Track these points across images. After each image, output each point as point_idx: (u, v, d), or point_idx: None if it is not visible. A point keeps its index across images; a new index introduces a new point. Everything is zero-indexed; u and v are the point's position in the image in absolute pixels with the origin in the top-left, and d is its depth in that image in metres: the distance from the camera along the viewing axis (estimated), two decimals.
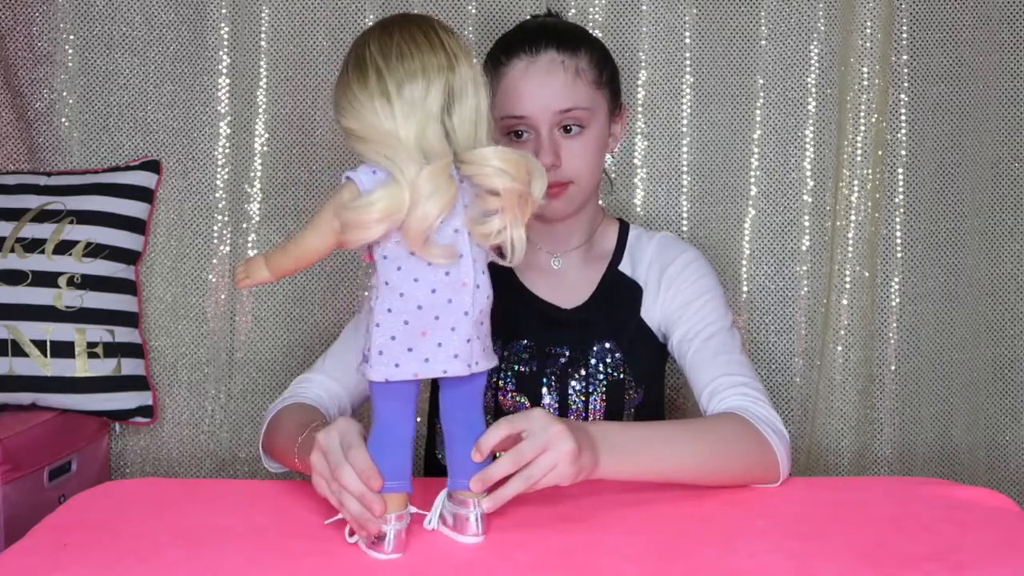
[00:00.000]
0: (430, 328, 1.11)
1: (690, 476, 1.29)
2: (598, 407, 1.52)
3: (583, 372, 1.52)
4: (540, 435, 1.14)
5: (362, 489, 1.11)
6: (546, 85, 1.47)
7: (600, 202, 1.93)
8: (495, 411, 1.54)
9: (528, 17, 1.67)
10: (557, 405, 1.52)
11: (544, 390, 1.53)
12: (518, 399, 1.53)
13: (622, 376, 1.52)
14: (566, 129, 1.48)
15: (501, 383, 1.53)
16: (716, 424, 1.37)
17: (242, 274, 1.15)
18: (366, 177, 1.09)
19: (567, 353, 1.53)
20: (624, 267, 1.58)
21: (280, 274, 1.14)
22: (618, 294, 1.56)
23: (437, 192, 1.07)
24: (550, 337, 1.54)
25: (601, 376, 1.52)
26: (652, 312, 1.54)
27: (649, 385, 1.54)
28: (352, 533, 1.14)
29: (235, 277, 1.17)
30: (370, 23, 1.27)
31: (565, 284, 1.58)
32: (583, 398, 1.52)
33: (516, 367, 1.53)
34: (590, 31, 1.86)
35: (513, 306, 1.53)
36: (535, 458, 1.14)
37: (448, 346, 1.11)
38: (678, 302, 1.52)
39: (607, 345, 1.53)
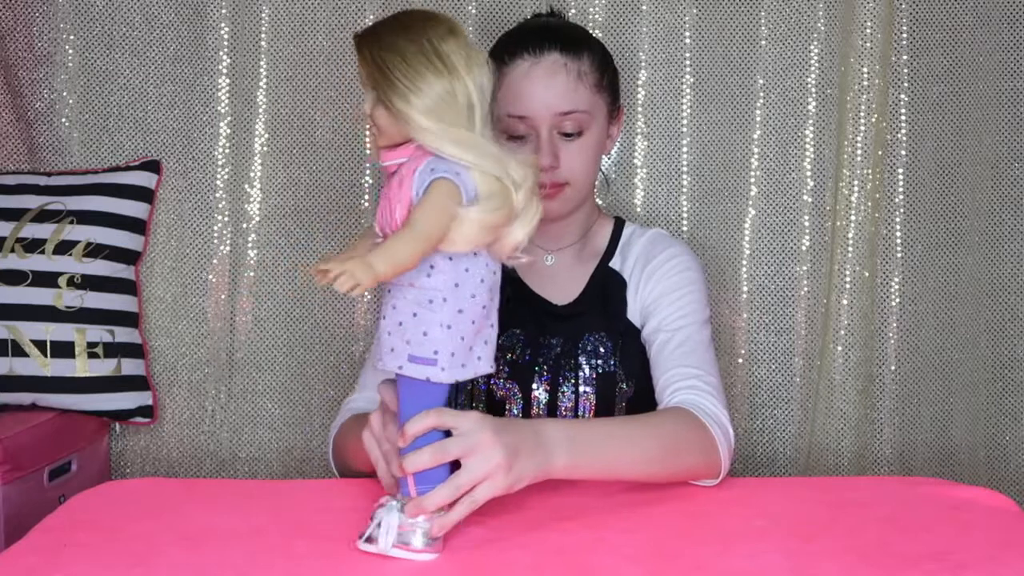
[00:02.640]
0: (484, 327, 1.14)
1: (639, 474, 1.28)
2: (589, 400, 1.52)
3: (574, 363, 1.53)
4: (468, 437, 1.12)
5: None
6: (548, 87, 1.48)
7: (599, 201, 1.94)
8: (488, 398, 1.54)
9: (530, 16, 1.67)
10: (547, 396, 1.53)
11: (534, 384, 1.53)
12: (510, 387, 1.54)
13: (613, 369, 1.52)
14: (566, 133, 1.49)
15: (495, 371, 1.53)
16: (665, 420, 1.36)
17: (349, 281, 1.05)
18: (460, 180, 1.09)
19: (559, 344, 1.54)
20: (614, 263, 1.59)
21: (384, 280, 1.08)
22: (607, 290, 1.57)
23: (534, 209, 1.12)
24: (543, 332, 1.55)
25: (591, 369, 1.52)
26: (633, 306, 1.55)
27: (641, 379, 1.54)
28: (371, 540, 1.12)
29: (337, 280, 1.04)
30: (370, 23, 1.26)
31: (558, 281, 1.59)
32: (574, 390, 1.52)
33: (509, 356, 1.54)
34: (590, 31, 1.87)
35: (508, 298, 1.54)
36: (461, 459, 1.11)
37: (491, 343, 1.15)
38: (654, 294, 1.53)
39: (598, 338, 1.54)
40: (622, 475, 1.28)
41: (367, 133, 1.18)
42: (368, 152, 1.93)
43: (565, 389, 1.52)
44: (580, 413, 1.52)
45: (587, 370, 1.53)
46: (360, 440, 1.30)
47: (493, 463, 1.11)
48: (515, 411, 1.53)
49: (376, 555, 1.11)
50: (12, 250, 1.84)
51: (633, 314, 1.55)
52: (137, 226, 1.92)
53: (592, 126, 1.51)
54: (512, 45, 1.51)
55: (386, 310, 1.14)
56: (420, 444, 1.12)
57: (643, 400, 1.55)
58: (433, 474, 1.11)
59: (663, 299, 1.52)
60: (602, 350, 1.53)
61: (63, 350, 1.83)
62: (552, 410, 1.53)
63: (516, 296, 1.57)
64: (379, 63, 1.10)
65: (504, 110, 1.48)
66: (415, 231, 1.07)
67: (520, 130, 1.49)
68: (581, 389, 1.52)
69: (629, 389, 1.53)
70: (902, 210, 1.89)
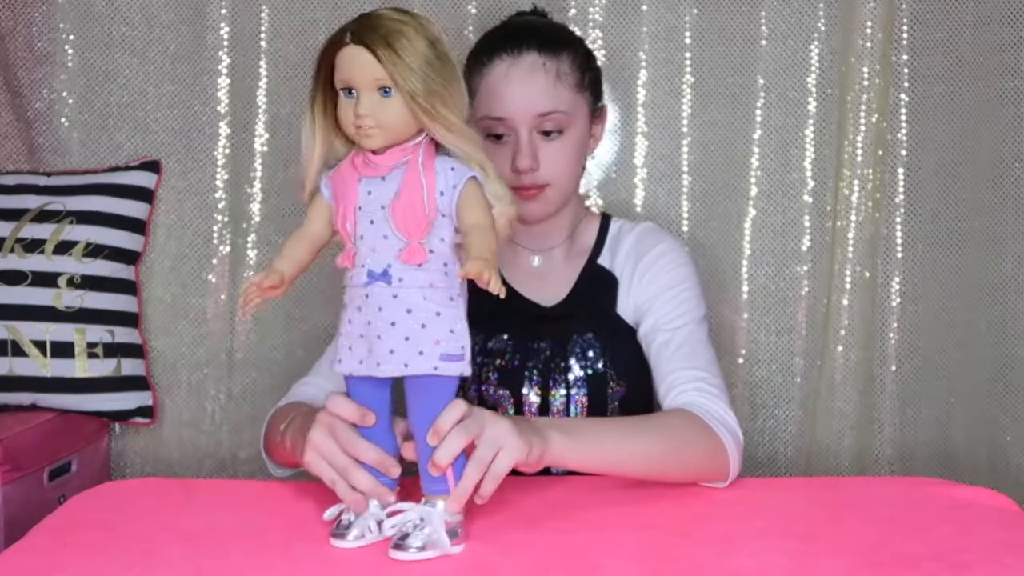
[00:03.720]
0: None
1: (641, 468, 1.30)
2: (581, 401, 1.52)
3: (564, 365, 1.52)
4: (479, 416, 1.15)
5: (381, 456, 1.16)
6: (527, 86, 1.47)
7: (599, 201, 1.94)
8: (478, 403, 1.53)
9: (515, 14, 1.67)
10: (539, 400, 1.52)
11: (525, 388, 1.52)
12: (501, 392, 1.53)
13: (604, 369, 1.52)
14: (545, 132, 1.48)
15: (484, 377, 1.53)
16: (668, 419, 1.37)
17: (497, 284, 1.08)
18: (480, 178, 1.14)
19: (548, 348, 1.53)
20: (603, 260, 1.58)
21: None
22: (596, 287, 1.56)
23: None
24: (531, 334, 1.54)
25: (582, 370, 1.52)
26: (626, 304, 1.55)
27: (633, 378, 1.54)
28: (400, 546, 1.11)
29: (493, 284, 1.08)
30: None
31: (546, 281, 1.58)
32: (565, 392, 1.52)
33: (498, 362, 1.53)
34: (589, 31, 1.87)
35: (495, 303, 1.53)
36: (476, 438, 1.14)
37: None
38: (649, 292, 1.52)
39: (587, 339, 1.53)
40: (621, 468, 1.28)
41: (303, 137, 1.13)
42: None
43: (556, 392, 1.52)
44: (572, 415, 1.52)
45: (577, 371, 1.52)
46: (282, 438, 1.31)
47: (504, 430, 1.14)
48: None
49: (375, 555, 1.11)
50: (12, 250, 1.84)
51: (626, 311, 1.54)
52: (137, 226, 1.92)
53: (573, 126, 1.50)
54: (491, 46, 1.51)
55: (391, 316, 1.11)
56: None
57: (636, 399, 1.55)
58: (458, 466, 1.14)
59: (658, 297, 1.52)
60: (591, 351, 1.52)
61: (63, 350, 1.83)
62: (544, 413, 1.52)
63: (501, 301, 1.55)
64: (404, 57, 1.09)
65: (483, 111, 1.48)
66: (491, 227, 1.12)
67: (498, 130, 1.48)
68: (572, 391, 1.52)
69: (621, 389, 1.53)
70: (902, 210, 1.88)
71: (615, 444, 1.28)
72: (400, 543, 1.11)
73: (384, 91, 1.10)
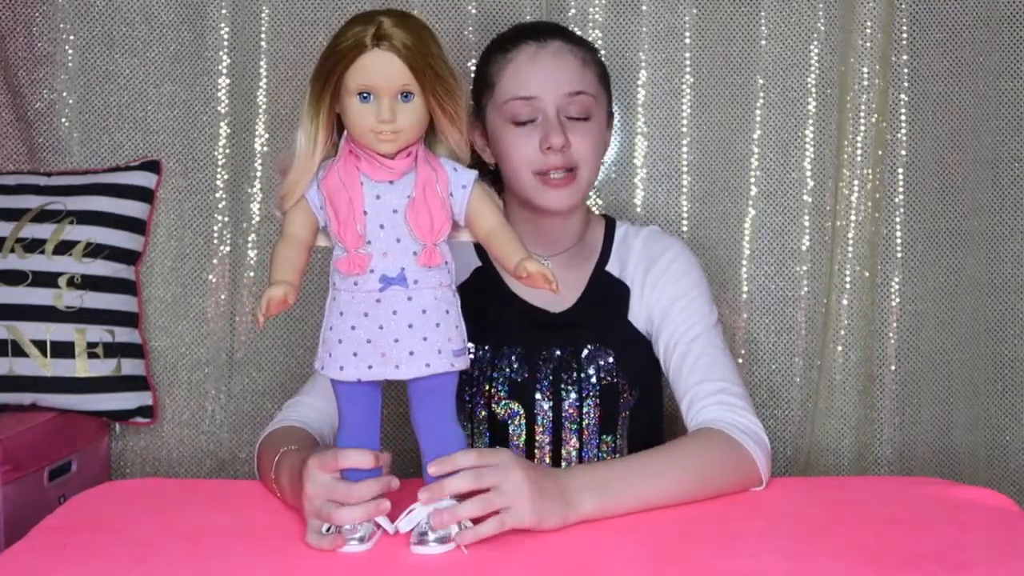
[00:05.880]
0: None
1: (672, 501, 1.28)
2: (593, 411, 1.51)
3: (576, 376, 1.51)
4: (502, 469, 1.16)
5: (379, 485, 1.16)
6: (556, 67, 1.48)
7: (599, 200, 1.94)
8: (489, 420, 1.53)
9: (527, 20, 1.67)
10: (551, 411, 1.51)
11: (538, 396, 1.51)
12: (512, 406, 1.52)
13: (615, 379, 1.51)
14: (572, 117, 1.48)
15: (493, 391, 1.52)
16: (693, 446, 1.35)
17: (557, 283, 1.12)
18: None
19: (558, 357, 1.52)
20: (611, 267, 1.57)
21: None
22: (606, 296, 1.55)
23: None
24: (540, 342, 1.52)
25: (594, 380, 1.51)
26: (638, 313, 1.54)
27: (644, 385, 1.54)
28: (421, 542, 1.13)
29: (553, 285, 1.12)
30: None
31: None
32: (577, 403, 1.51)
33: (508, 374, 1.52)
34: (589, 31, 1.88)
35: (501, 312, 1.52)
36: (493, 487, 1.15)
37: None
38: (663, 303, 1.52)
39: (598, 348, 1.52)
40: (655, 506, 1.27)
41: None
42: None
43: (567, 402, 1.51)
44: (584, 424, 1.51)
45: (589, 381, 1.51)
46: (276, 479, 1.29)
47: (521, 495, 1.15)
48: (519, 429, 1.52)
49: (374, 553, 1.12)
50: (12, 250, 1.84)
51: (638, 320, 1.54)
52: (137, 226, 1.92)
53: (597, 114, 1.50)
54: (514, 35, 1.52)
55: (408, 319, 1.12)
56: (445, 450, 1.15)
57: (647, 407, 1.55)
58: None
59: (672, 307, 1.51)
60: (602, 361, 1.52)
61: (63, 350, 1.83)
62: (557, 423, 1.51)
63: (509, 308, 1.54)
64: (431, 61, 1.10)
65: (510, 94, 1.47)
66: (509, 225, 1.16)
67: (524, 114, 1.47)
68: (584, 400, 1.51)
69: (632, 398, 1.52)
70: (902, 210, 1.88)
71: (644, 490, 1.27)
72: (421, 539, 1.12)
73: (405, 96, 1.10)
